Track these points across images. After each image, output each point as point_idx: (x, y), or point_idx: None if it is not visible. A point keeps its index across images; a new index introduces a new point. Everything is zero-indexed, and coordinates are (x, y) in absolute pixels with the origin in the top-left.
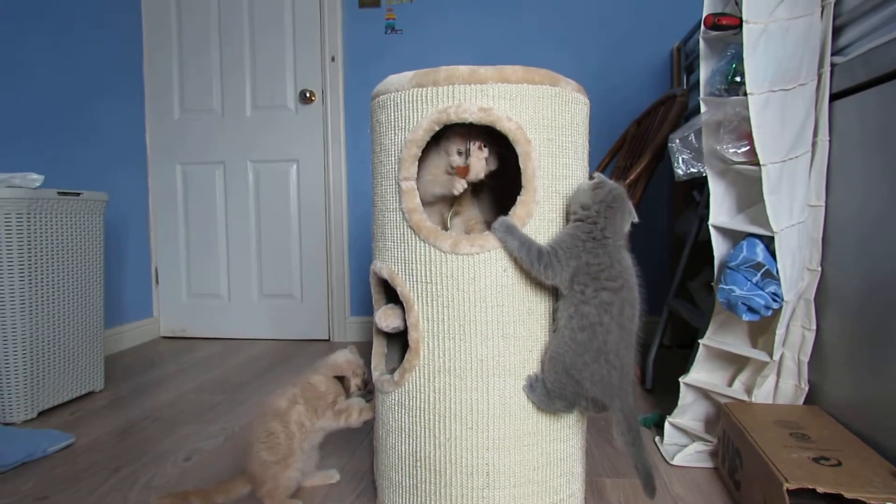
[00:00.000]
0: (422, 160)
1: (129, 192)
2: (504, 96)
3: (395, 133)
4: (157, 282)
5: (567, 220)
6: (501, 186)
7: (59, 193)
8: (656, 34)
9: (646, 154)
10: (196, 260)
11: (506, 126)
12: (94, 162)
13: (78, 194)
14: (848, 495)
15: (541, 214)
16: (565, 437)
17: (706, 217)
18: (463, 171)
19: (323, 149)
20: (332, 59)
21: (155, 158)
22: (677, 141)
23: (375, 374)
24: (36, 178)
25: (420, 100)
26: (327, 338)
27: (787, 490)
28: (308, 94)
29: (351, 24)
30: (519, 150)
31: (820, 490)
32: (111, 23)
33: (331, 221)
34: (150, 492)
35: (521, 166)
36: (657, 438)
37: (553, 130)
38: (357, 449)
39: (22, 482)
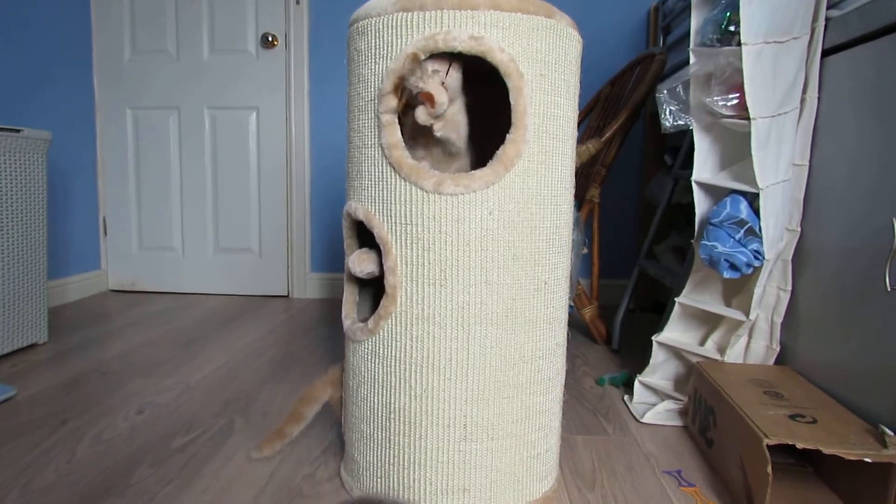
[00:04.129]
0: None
1: (76, 136)
2: (496, 25)
3: (375, 62)
4: (105, 232)
5: None
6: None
7: None
8: None
9: (622, 112)
10: (148, 210)
11: (498, 57)
12: (37, 104)
13: (18, 131)
14: (826, 451)
15: (530, 155)
16: (544, 391)
17: (680, 178)
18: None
19: (285, 97)
20: (297, 1)
21: (103, 102)
22: (665, 92)
23: (347, 323)
24: None
25: (404, 25)
26: (286, 294)
27: (767, 446)
28: (270, 38)
29: None
30: (510, 85)
31: (799, 446)
32: None
33: (292, 173)
34: (100, 445)
35: (512, 102)
36: (626, 397)
37: (546, 66)
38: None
39: None
